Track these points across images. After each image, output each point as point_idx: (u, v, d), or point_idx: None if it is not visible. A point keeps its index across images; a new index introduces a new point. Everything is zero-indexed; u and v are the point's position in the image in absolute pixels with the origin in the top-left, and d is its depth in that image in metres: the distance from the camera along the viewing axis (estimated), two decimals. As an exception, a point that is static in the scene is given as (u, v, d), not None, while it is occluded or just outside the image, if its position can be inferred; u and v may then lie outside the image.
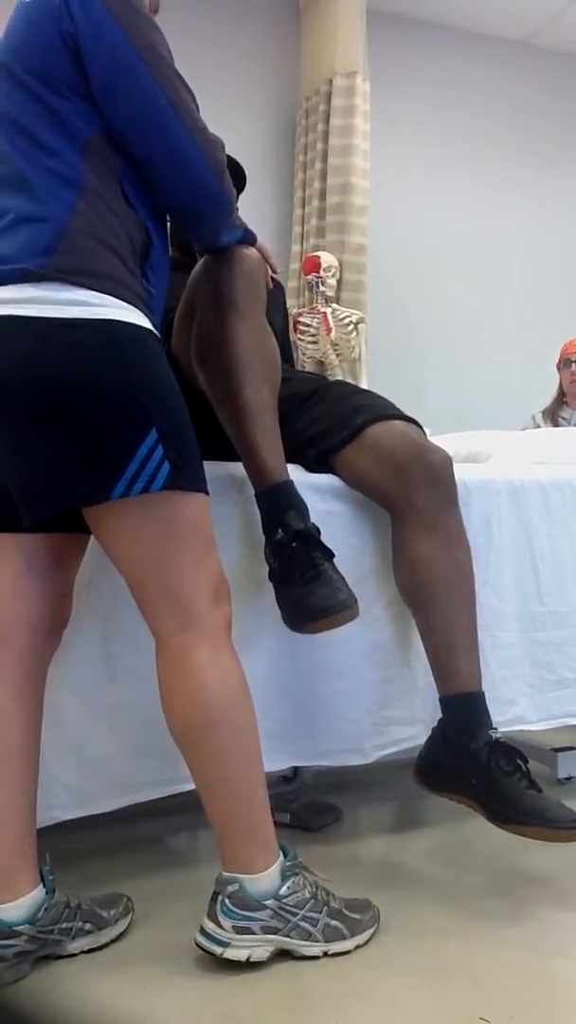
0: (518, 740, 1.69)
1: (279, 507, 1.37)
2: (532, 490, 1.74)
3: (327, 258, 3.66)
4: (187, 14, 3.73)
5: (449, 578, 1.44)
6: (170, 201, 1.24)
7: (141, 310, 1.17)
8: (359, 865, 1.55)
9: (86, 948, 1.23)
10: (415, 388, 3.78)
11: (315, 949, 1.21)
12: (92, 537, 1.27)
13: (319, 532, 1.38)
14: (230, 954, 1.17)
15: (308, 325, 3.59)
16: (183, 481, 1.15)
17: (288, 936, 1.20)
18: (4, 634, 1.21)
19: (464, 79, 4.48)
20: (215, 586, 1.20)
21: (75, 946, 1.22)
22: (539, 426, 3.35)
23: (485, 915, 1.34)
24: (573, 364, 3.32)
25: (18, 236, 1.12)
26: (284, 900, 1.20)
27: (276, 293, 1.74)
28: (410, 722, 1.59)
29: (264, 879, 1.19)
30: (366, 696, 1.57)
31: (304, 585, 1.32)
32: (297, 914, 1.20)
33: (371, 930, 1.26)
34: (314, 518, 1.39)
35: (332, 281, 3.65)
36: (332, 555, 1.37)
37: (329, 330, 3.53)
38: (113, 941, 1.26)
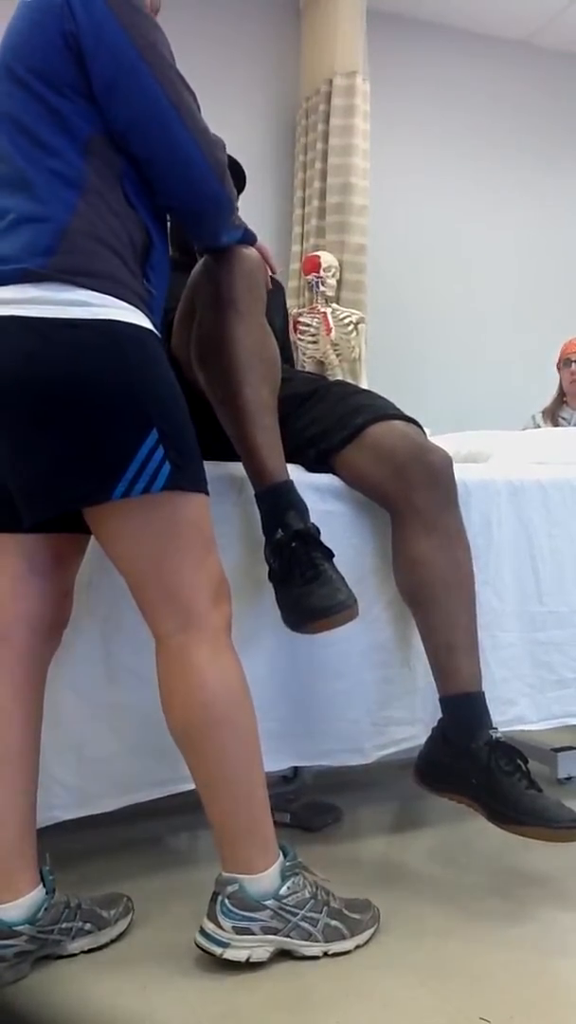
0: (518, 740, 1.69)
1: (279, 507, 1.37)
2: (532, 490, 1.74)
3: (327, 258, 3.65)
4: (187, 14, 3.73)
5: (449, 578, 1.45)
6: (171, 201, 1.24)
7: (142, 310, 1.17)
8: (359, 865, 1.55)
9: (86, 948, 1.23)
10: (415, 388, 3.78)
11: (315, 949, 1.21)
12: (92, 537, 1.27)
13: (319, 532, 1.38)
14: (230, 954, 1.17)
15: (308, 325, 3.59)
16: (184, 481, 1.15)
17: (288, 936, 1.20)
18: (4, 634, 1.21)
19: (464, 79, 4.47)
20: (215, 586, 1.20)
21: (75, 946, 1.22)
22: (539, 426, 3.35)
23: (485, 915, 1.34)
24: (573, 364, 3.31)
25: (19, 236, 1.12)
26: (284, 900, 1.20)
27: (276, 293, 1.74)
28: (410, 722, 1.59)
29: (264, 879, 1.19)
30: (366, 696, 1.57)
31: (304, 585, 1.32)
32: (297, 914, 1.20)
33: (371, 930, 1.27)
34: (314, 518, 1.39)
35: (332, 281, 3.64)
36: (332, 555, 1.37)
37: (329, 330, 3.53)
38: (113, 941, 1.26)
